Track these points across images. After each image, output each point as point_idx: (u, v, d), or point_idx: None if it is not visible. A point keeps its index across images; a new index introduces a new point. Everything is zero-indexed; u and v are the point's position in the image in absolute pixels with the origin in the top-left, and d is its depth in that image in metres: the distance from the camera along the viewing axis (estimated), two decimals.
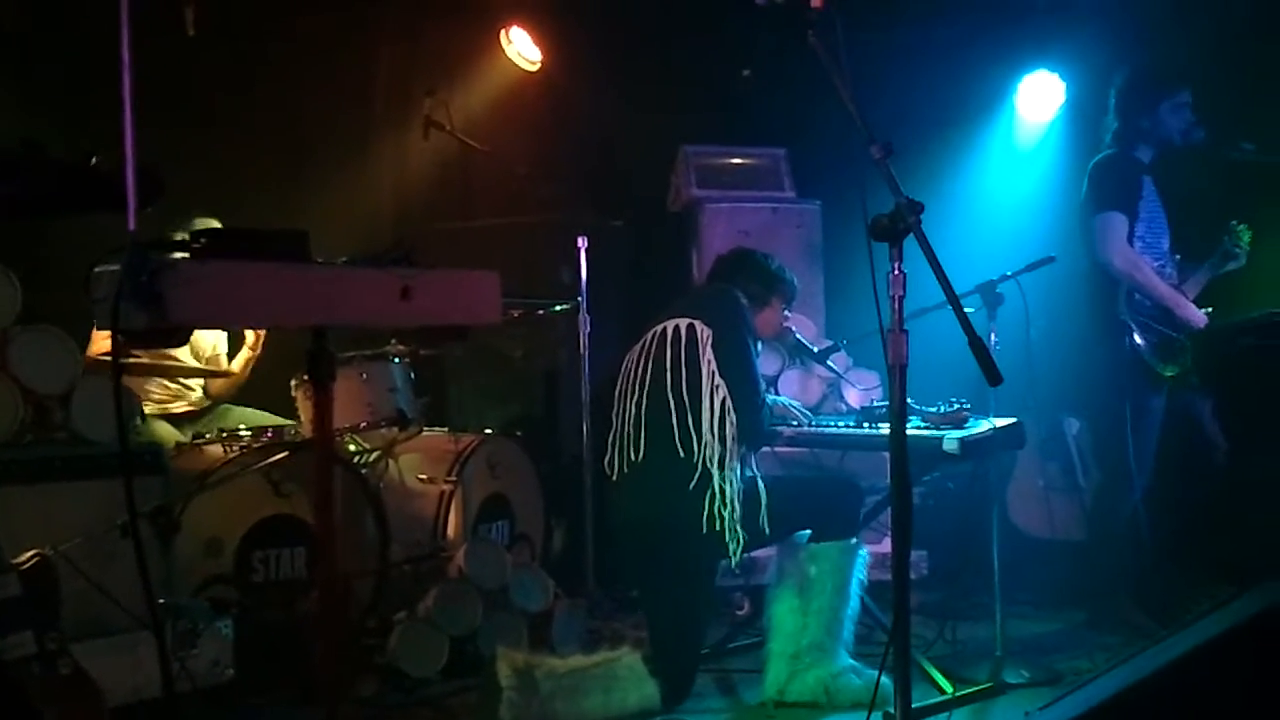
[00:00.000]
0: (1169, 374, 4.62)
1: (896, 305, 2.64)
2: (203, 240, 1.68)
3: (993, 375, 2.51)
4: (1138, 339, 4.58)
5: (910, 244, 2.64)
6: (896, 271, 2.66)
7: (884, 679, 3.75)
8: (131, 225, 1.73)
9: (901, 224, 2.62)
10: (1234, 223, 4.78)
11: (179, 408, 4.86)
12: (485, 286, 2.06)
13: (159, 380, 4.80)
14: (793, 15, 2.79)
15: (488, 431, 5.04)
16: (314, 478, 4.13)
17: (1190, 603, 4.67)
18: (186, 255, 1.66)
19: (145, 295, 1.61)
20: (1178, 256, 4.76)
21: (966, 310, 2.68)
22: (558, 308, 5.05)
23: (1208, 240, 4.81)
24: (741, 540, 3.67)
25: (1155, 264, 4.64)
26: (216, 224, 4.49)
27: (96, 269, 1.68)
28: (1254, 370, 4.78)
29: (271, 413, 4.84)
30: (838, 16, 2.75)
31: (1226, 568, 4.81)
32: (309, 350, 1.91)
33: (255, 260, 1.73)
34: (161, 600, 3.29)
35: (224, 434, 4.32)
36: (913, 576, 5.01)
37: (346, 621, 4.10)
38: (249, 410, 4.91)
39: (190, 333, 1.68)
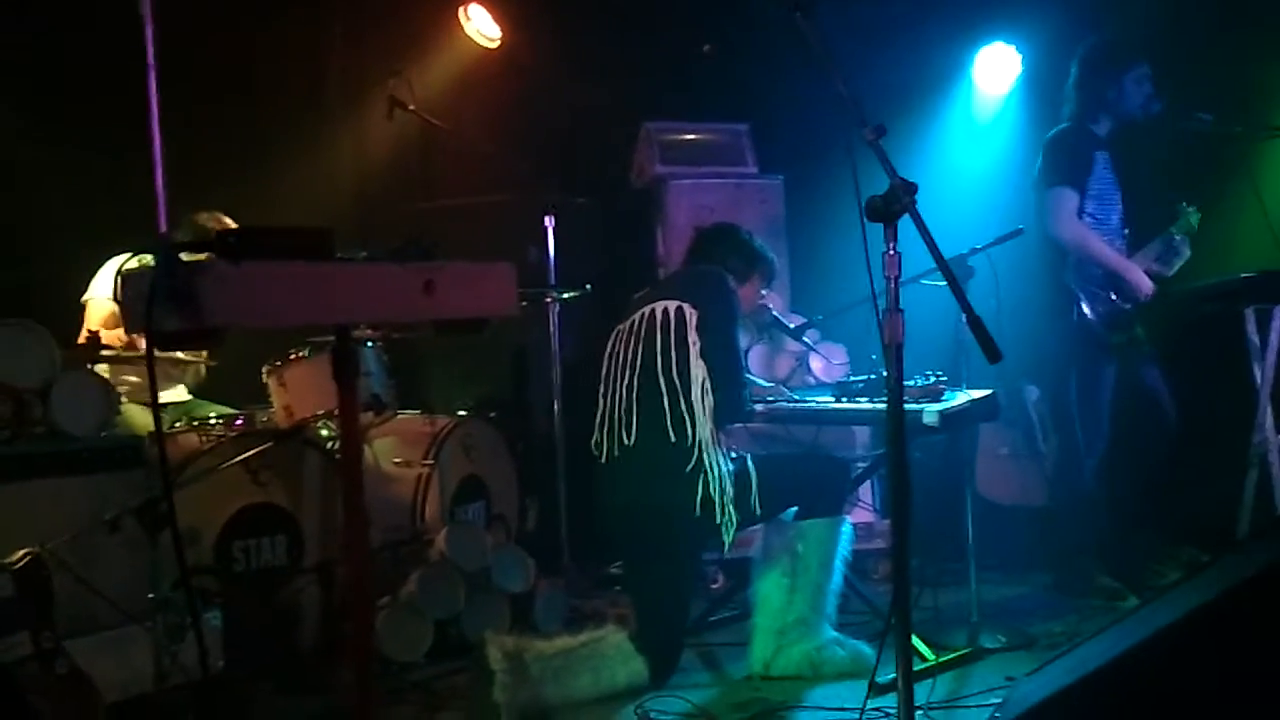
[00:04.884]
0: (1115, 341, 4.71)
1: (893, 286, 2.66)
2: (232, 240, 1.66)
3: (992, 352, 2.51)
4: (1085, 308, 4.67)
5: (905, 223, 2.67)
6: (891, 252, 2.68)
7: (866, 649, 3.86)
8: (163, 227, 1.72)
9: (896, 205, 2.64)
10: (1183, 204, 4.77)
11: (162, 396, 4.76)
12: (502, 278, 2.08)
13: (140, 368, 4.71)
14: None
15: (462, 413, 5.02)
16: (293, 467, 4.15)
17: (1155, 565, 4.82)
18: (218, 256, 1.65)
19: (179, 297, 1.59)
20: (1127, 231, 4.83)
21: (939, 285, 2.71)
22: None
23: (1163, 208, 4.87)
24: (735, 521, 3.68)
25: (1104, 239, 4.72)
26: (229, 221, 4.44)
27: (124, 269, 1.66)
28: (1215, 337, 4.88)
29: (240, 400, 4.77)
30: None
31: (1186, 531, 4.95)
32: (333, 348, 1.90)
33: (286, 260, 1.72)
34: (150, 595, 3.25)
35: (195, 422, 4.27)
36: (882, 545, 5.12)
37: (331, 608, 4.09)
38: (215, 405, 4.83)
39: (224, 335, 1.67)
